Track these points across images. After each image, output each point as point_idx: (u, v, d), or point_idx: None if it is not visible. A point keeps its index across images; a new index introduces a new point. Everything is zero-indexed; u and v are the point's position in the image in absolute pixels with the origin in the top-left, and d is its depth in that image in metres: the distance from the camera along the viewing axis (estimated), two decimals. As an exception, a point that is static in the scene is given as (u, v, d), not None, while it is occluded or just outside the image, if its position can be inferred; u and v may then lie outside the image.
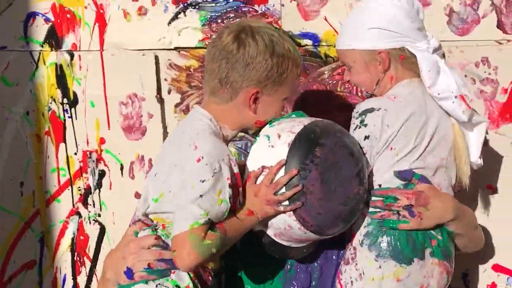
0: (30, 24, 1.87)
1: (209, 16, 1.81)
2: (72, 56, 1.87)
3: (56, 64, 1.88)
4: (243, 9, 1.80)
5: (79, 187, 1.93)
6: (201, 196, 1.21)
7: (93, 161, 1.90)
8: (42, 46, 1.88)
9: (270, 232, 1.34)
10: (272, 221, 1.31)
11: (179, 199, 1.25)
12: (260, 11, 1.79)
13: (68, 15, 1.85)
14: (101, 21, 1.84)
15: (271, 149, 1.30)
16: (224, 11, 1.80)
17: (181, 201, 1.24)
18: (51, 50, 1.87)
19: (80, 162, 1.92)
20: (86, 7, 1.84)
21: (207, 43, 1.79)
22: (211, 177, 1.21)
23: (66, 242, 1.95)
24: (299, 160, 1.25)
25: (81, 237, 1.93)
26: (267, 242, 1.36)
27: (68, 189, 1.93)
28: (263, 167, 1.30)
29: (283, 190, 1.26)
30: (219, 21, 1.80)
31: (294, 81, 1.37)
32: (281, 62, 1.30)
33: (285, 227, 1.29)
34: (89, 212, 1.92)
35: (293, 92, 1.45)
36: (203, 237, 1.20)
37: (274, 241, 1.35)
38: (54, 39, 1.87)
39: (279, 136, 1.30)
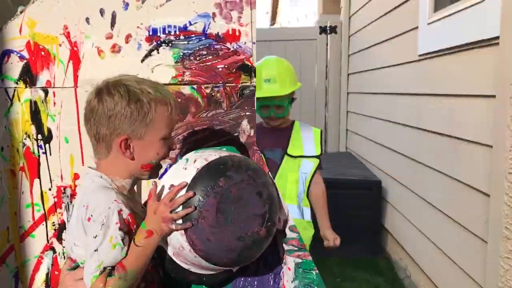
0: (5, 62, 1.88)
1: (182, 54, 1.83)
2: (46, 93, 1.88)
3: (30, 101, 1.89)
4: (215, 47, 1.83)
5: (54, 223, 1.93)
6: (96, 250, 1.29)
7: (68, 196, 1.91)
8: (16, 83, 1.88)
9: (169, 250, 1.38)
10: (170, 238, 1.34)
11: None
12: (232, 49, 1.82)
13: (43, 53, 1.87)
14: (75, 58, 1.86)
15: (183, 171, 1.34)
16: (197, 48, 1.83)
17: (86, 260, 1.33)
18: (26, 87, 1.88)
19: (54, 197, 1.92)
20: (60, 45, 1.86)
21: (180, 80, 1.82)
22: (100, 230, 1.30)
23: (40, 278, 1.94)
24: (201, 185, 1.29)
25: (56, 272, 1.92)
26: (166, 259, 1.39)
27: (43, 225, 1.93)
28: (171, 186, 1.34)
29: (180, 209, 1.30)
30: (192, 58, 1.83)
31: (165, 120, 1.42)
32: (141, 106, 1.37)
33: (179, 247, 1.33)
34: (64, 247, 1.92)
35: (170, 130, 1.46)
36: (102, 287, 1.27)
37: (173, 260, 1.38)
38: (28, 76, 1.88)
39: (195, 161, 1.35)
